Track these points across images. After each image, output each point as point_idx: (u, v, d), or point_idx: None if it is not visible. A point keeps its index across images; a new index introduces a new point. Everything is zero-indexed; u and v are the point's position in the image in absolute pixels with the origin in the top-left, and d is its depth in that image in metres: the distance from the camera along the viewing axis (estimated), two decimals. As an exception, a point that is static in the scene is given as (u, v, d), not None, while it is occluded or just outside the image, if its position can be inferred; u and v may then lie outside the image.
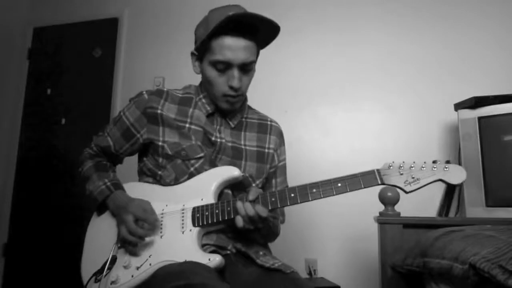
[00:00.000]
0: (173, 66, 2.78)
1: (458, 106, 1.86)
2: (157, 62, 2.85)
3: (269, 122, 1.31)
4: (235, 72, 1.11)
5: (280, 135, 1.32)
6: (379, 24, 2.48)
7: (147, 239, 1.06)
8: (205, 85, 1.20)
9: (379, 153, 2.33)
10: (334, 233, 2.31)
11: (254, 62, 1.15)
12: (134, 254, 1.07)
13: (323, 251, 2.31)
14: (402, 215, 1.56)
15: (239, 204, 1.02)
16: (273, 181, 1.29)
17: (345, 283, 2.09)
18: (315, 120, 2.48)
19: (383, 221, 1.59)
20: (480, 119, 1.74)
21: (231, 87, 1.12)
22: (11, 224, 3.00)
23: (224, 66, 1.11)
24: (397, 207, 1.58)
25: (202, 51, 1.15)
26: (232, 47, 1.09)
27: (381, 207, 1.59)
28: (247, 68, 1.13)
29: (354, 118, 2.43)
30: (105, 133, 1.28)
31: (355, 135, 2.41)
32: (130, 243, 1.06)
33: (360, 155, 2.35)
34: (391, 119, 2.37)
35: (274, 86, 2.50)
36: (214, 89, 1.16)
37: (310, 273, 2.27)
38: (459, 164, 1.87)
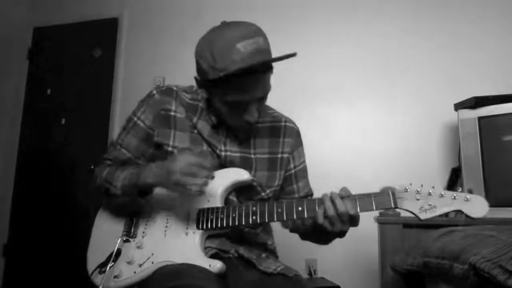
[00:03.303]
0: (173, 66, 2.78)
1: (458, 106, 1.86)
2: (157, 62, 2.85)
3: (283, 123, 1.22)
4: (252, 108, 1.03)
5: (296, 136, 1.23)
6: (379, 25, 2.48)
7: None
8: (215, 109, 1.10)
9: (379, 153, 2.33)
10: (334, 233, 2.30)
11: (270, 88, 1.06)
12: (139, 250, 1.05)
13: (323, 251, 2.29)
14: (402, 215, 1.56)
15: (326, 198, 0.95)
16: (295, 186, 1.22)
17: (345, 283, 2.09)
18: (315, 120, 2.47)
19: (383, 221, 1.60)
20: (480, 119, 1.74)
21: (247, 122, 1.05)
22: (11, 224, 3.00)
23: (239, 105, 1.02)
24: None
25: (209, 84, 1.03)
26: (248, 87, 0.99)
27: (381, 207, 1.58)
28: (264, 96, 1.05)
29: (354, 118, 2.43)
30: (117, 146, 1.17)
31: (355, 135, 2.41)
32: (185, 188, 0.96)
33: (360, 155, 2.35)
34: (391, 119, 2.37)
35: (274, 86, 2.50)
36: (227, 120, 1.09)
37: (310, 273, 2.27)
38: (459, 164, 1.87)
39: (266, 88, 1.04)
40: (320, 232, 0.99)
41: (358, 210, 0.94)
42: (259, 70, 0.98)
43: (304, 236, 1.20)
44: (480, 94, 1.78)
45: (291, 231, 1.23)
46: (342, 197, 0.95)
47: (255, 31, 0.99)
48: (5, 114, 3.13)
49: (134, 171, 1.07)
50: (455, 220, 1.48)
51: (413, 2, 2.46)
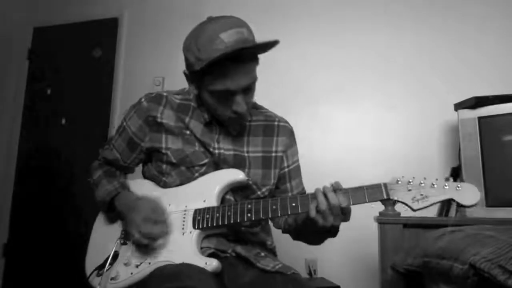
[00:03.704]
0: (173, 66, 2.76)
1: (458, 106, 1.86)
2: (157, 62, 2.85)
3: (276, 123, 1.23)
4: (238, 98, 1.03)
5: (289, 134, 1.24)
6: (379, 25, 2.48)
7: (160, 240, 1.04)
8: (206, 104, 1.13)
9: (379, 153, 2.33)
10: (334, 233, 2.30)
11: (256, 79, 1.07)
12: (136, 251, 1.07)
13: (323, 251, 2.30)
14: (402, 215, 1.56)
15: (319, 192, 0.96)
16: (288, 185, 1.24)
17: (345, 283, 2.09)
18: (315, 120, 2.47)
19: (383, 221, 1.60)
20: (480, 119, 1.74)
21: (236, 112, 1.06)
22: (11, 224, 3.00)
23: (225, 94, 1.03)
24: (397, 207, 1.57)
25: (196, 77, 1.06)
26: (232, 75, 1.00)
27: (381, 207, 1.58)
28: (250, 87, 1.06)
29: (354, 117, 2.43)
30: (110, 146, 1.24)
31: (356, 134, 2.41)
32: (144, 246, 1.04)
33: (360, 154, 2.35)
34: (391, 119, 2.37)
35: (274, 85, 2.50)
36: (217, 113, 1.10)
37: (310, 273, 2.27)
38: (459, 164, 1.87)
39: (251, 78, 1.04)
40: (312, 229, 1.00)
41: (351, 202, 0.96)
42: (242, 58, 0.99)
43: (297, 235, 1.21)
44: (480, 94, 1.78)
45: (283, 231, 1.24)
46: (334, 190, 0.96)
47: (239, 23, 1.02)
48: (5, 114, 3.13)
49: (114, 189, 1.14)
50: (455, 220, 1.48)
51: (413, 2, 2.46)
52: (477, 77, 2.25)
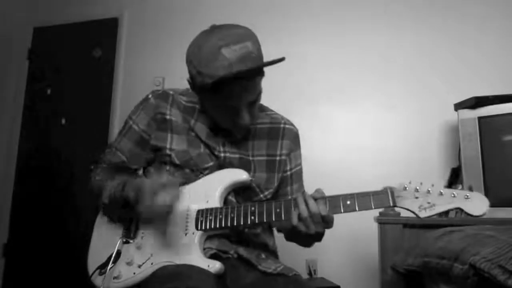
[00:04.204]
0: (173, 66, 2.76)
1: (458, 106, 1.86)
2: (157, 62, 2.85)
3: (282, 125, 1.21)
4: (243, 112, 1.02)
5: (294, 138, 1.22)
6: (379, 25, 2.48)
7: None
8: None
9: (379, 153, 2.33)
10: (334, 233, 2.27)
11: (261, 91, 1.04)
12: (138, 251, 1.06)
13: (323, 251, 2.30)
14: (402, 215, 1.56)
15: (299, 198, 0.96)
16: (288, 188, 1.22)
17: (345, 283, 2.09)
18: (316, 120, 2.47)
19: (383, 221, 1.60)
20: (480, 119, 1.74)
21: (240, 126, 1.05)
22: (11, 224, 3.00)
23: (229, 110, 1.02)
24: (398, 207, 1.57)
25: (198, 89, 1.04)
26: (236, 93, 0.98)
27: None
28: (255, 100, 1.04)
29: (354, 117, 2.43)
30: (112, 149, 1.19)
31: (356, 134, 2.41)
32: (157, 216, 1.00)
33: (360, 154, 2.35)
34: (391, 119, 2.37)
35: (275, 86, 2.50)
36: (221, 124, 1.09)
37: (310, 273, 2.27)
38: (459, 164, 1.87)
39: (256, 92, 1.02)
40: (296, 233, 0.99)
41: (357, 209, 0.94)
42: (246, 76, 0.96)
43: (289, 237, 1.19)
44: (480, 94, 1.79)
45: (278, 231, 1.23)
46: (315, 199, 0.95)
47: (243, 35, 0.97)
48: (5, 114, 3.13)
49: (121, 182, 1.06)
50: (455, 220, 1.48)
51: (413, 2, 2.46)
52: (477, 77, 2.25)
